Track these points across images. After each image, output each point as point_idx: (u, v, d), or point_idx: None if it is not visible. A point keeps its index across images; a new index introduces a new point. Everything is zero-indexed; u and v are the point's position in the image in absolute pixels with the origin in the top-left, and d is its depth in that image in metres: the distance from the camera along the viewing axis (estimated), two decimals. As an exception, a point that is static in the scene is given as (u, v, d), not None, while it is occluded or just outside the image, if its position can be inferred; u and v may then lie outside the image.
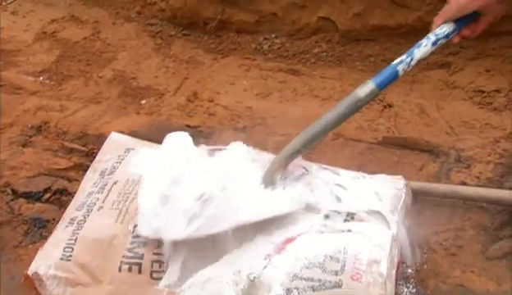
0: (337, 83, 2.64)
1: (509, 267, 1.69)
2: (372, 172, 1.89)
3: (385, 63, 2.64)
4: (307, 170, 1.77)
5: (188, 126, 2.35)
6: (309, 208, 1.68)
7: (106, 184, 1.79)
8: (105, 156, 1.91)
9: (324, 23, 2.70)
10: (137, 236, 1.64)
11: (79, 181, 1.92)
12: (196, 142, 1.87)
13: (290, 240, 1.62)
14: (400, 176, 1.75)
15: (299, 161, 1.85)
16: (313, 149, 2.18)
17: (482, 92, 2.43)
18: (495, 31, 2.49)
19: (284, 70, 2.72)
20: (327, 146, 2.22)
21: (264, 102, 2.57)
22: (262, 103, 2.55)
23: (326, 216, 1.65)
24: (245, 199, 1.62)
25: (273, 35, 2.82)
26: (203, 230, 1.57)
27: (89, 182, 1.85)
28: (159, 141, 1.93)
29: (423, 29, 2.54)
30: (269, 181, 1.65)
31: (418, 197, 1.88)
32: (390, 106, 2.47)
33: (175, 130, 1.94)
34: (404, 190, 1.71)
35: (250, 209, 1.61)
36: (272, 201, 1.64)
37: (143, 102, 2.56)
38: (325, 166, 1.81)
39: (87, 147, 2.25)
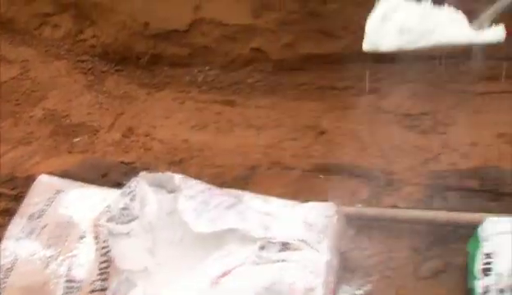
0: (272, 112, 2.68)
1: (440, 285, 1.74)
2: (307, 199, 1.92)
3: (317, 90, 2.73)
4: (238, 199, 1.78)
5: (122, 163, 2.32)
6: (244, 239, 1.69)
7: (35, 229, 1.74)
8: (33, 200, 1.86)
9: (256, 54, 2.74)
10: (70, 280, 1.60)
11: (6, 227, 1.85)
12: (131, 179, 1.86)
13: (225, 274, 1.62)
14: (330, 202, 1.78)
15: (230, 190, 1.87)
16: (248, 179, 2.20)
17: (410, 115, 2.51)
18: (420, 56, 2.59)
19: (219, 101, 2.73)
20: (263, 175, 2.24)
21: (200, 134, 2.57)
22: (198, 135, 2.55)
23: (262, 247, 1.67)
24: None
25: (207, 67, 2.84)
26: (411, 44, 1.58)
27: (16, 227, 1.79)
28: (92, 179, 1.90)
29: (350, 56, 2.69)
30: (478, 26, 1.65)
31: (351, 222, 1.92)
32: (324, 132, 2.52)
33: (109, 167, 1.92)
34: (335, 216, 1.74)
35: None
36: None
37: (75, 140, 2.51)
38: (256, 195, 1.83)
39: (15, 191, 2.18)
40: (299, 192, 2.12)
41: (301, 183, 2.19)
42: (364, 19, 2.54)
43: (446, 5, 1.77)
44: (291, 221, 1.74)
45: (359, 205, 2.02)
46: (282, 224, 1.73)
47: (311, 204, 1.80)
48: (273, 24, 2.63)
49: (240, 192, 1.84)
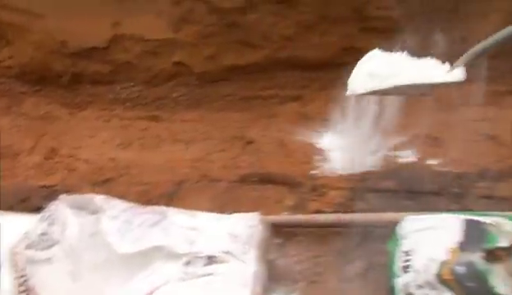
0: (198, 125, 2.67)
1: (365, 285, 1.79)
2: (235, 210, 1.93)
3: (242, 101, 2.75)
4: (163, 216, 1.77)
5: (44, 186, 2.25)
6: (169, 255, 1.68)
7: None
8: None
9: (179, 67, 2.73)
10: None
11: None
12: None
13: (151, 293, 1.60)
14: (254, 213, 1.80)
15: (154, 207, 1.85)
16: (174, 194, 2.19)
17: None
18: (339, 62, 2.67)
19: (144, 117, 2.70)
20: (190, 190, 2.23)
21: (127, 151, 2.53)
22: (124, 153, 2.51)
23: (187, 263, 1.66)
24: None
25: (130, 84, 2.80)
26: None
27: None
28: (12, 205, 1.83)
29: (272, 65, 2.73)
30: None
31: (278, 230, 1.95)
32: (251, 141, 2.54)
33: (29, 192, 1.86)
34: (260, 226, 1.76)
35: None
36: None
37: (-6, 166, 2.41)
38: (182, 210, 1.82)
39: None
40: (227, 204, 2.13)
41: (228, 194, 2.20)
42: (284, 28, 2.61)
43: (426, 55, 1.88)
44: (217, 234, 1.74)
45: (285, 213, 2.05)
46: (208, 237, 1.73)
47: (236, 216, 1.81)
48: (194, 38, 2.63)
49: (164, 208, 1.83)
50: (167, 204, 2.09)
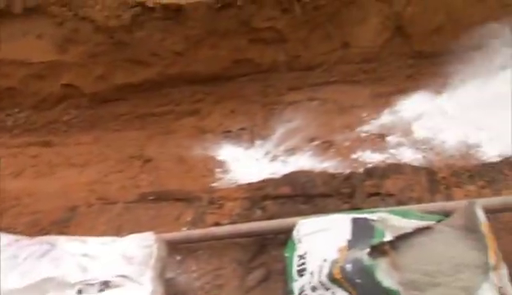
0: (94, 147, 2.60)
1: (266, 292, 1.79)
2: (132, 232, 1.88)
3: (137, 119, 2.71)
4: (52, 245, 1.69)
5: None
6: (61, 286, 1.60)
7: None
8: None
9: (69, 89, 2.66)
10: None
11: None
12: None
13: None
14: (149, 232, 1.76)
15: (42, 237, 1.77)
16: (68, 221, 2.12)
17: (231, 132, 2.59)
18: (231, 74, 2.70)
19: (35, 143, 2.60)
20: (84, 214, 2.15)
21: (17, 180, 2.42)
22: (15, 182, 2.40)
23: (80, 291, 1.59)
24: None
25: (16, 110, 2.68)
26: None
27: None
28: None
29: (165, 81, 2.71)
30: None
31: (177, 247, 1.92)
32: (149, 160, 2.51)
33: None
34: (155, 245, 1.72)
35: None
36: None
37: None
38: (73, 237, 1.75)
39: None
40: (124, 225, 2.08)
41: (125, 216, 2.14)
42: (173, 44, 2.60)
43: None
44: (111, 258, 1.68)
45: (184, 229, 2.03)
46: (101, 262, 1.67)
47: (130, 237, 1.76)
48: (81, 58, 2.57)
49: (53, 237, 1.75)
50: (61, 232, 2.02)
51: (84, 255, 1.67)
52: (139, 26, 2.49)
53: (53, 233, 1.95)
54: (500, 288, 1.40)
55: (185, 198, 2.19)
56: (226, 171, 2.37)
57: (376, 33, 2.60)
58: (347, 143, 2.29)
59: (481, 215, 1.55)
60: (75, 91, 2.67)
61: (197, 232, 1.95)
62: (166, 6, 2.44)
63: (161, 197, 2.21)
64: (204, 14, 2.46)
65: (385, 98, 2.51)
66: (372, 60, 2.63)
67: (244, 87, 2.68)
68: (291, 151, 2.38)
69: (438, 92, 2.46)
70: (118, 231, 2.03)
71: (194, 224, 2.06)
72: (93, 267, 1.65)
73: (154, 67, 2.63)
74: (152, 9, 2.45)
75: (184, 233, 1.97)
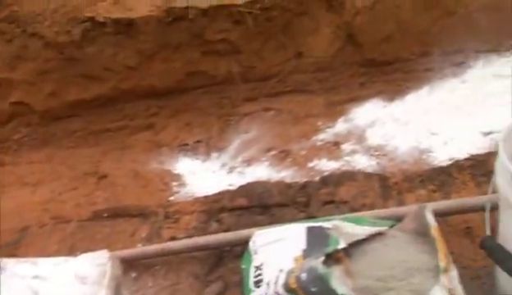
0: (47, 166, 2.55)
1: (224, 307, 1.79)
2: (85, 250, 1.84)
3: (91, 135, 2.67)
4: (0, 269, 1.64)
5: None
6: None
7: None
8: None
9: (18, 107, 2.60)
10: None
11: None
12: None
13: None
14: (102, 250, 1.73)
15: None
16: (18, 242, 2.06)
17: (187, 145, 2.57)
18: (185, 87, 2.69)
19: (-16, 163, 2.53)
20: (36, 235, 2.10)
21: (-33, 202, 2.34)
22: (-36, 205, 2.32)
23: (30, 315, 1.55)
24: None
25: (-37, 130, 2.61)
26: None
27: None
28: None
29: (118, 96, 2.68)
30: None
31: (132, 264, 1.89)
32: (105, 176, 2.47)
33: None
34: (109, 263, 1.69)
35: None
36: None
37: None
38: (22, 259, 1.70)
39: None
40: (77, 244, 2.04)
41: (79, 234, 2.10)
42: (125, 58, 2.58)
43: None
44: (63, 279, 1.64)
45: (139, 245, 2.00)
46: (53, 284, 1.62)
47: (83, 256, 1.72)
48: (31, 75, 2.52)
49: (2, 260, 1.69)
50: (11, 254, 1.96)
51: (35, 277, 1.63)
52: (89, 41, 2.46)
53: (3, 255, 1.89)
54: (450, 289, 1.42)
55: (140, 214, 2.16)
56: (182, 185, 2.35)
57: (328, 42, 2.64)
58: (303, 152, 2.31)
59: (430, 219, 1.57)
60: (25, 108, 2.61)
61: (153, 247, 1.93)
62: (116, 21, 2.41)
63: (116, 214, 2.18)
64: (155, 27, 2.45)
65: (339, 107, 2.54)
66: (325, 69, 2.65)
67: (199, 99, 2.67)
68: (248, 162, 2.38)
69: (390, 99, 2.50)
70: (71, 251, 1.99)
71: (149, 239, 2.03)
72: (45, 289, 1.60)
73: (107, 82, 2.59)
74: (102, 24, 2.42)
75: (139, 249, 1.94)
